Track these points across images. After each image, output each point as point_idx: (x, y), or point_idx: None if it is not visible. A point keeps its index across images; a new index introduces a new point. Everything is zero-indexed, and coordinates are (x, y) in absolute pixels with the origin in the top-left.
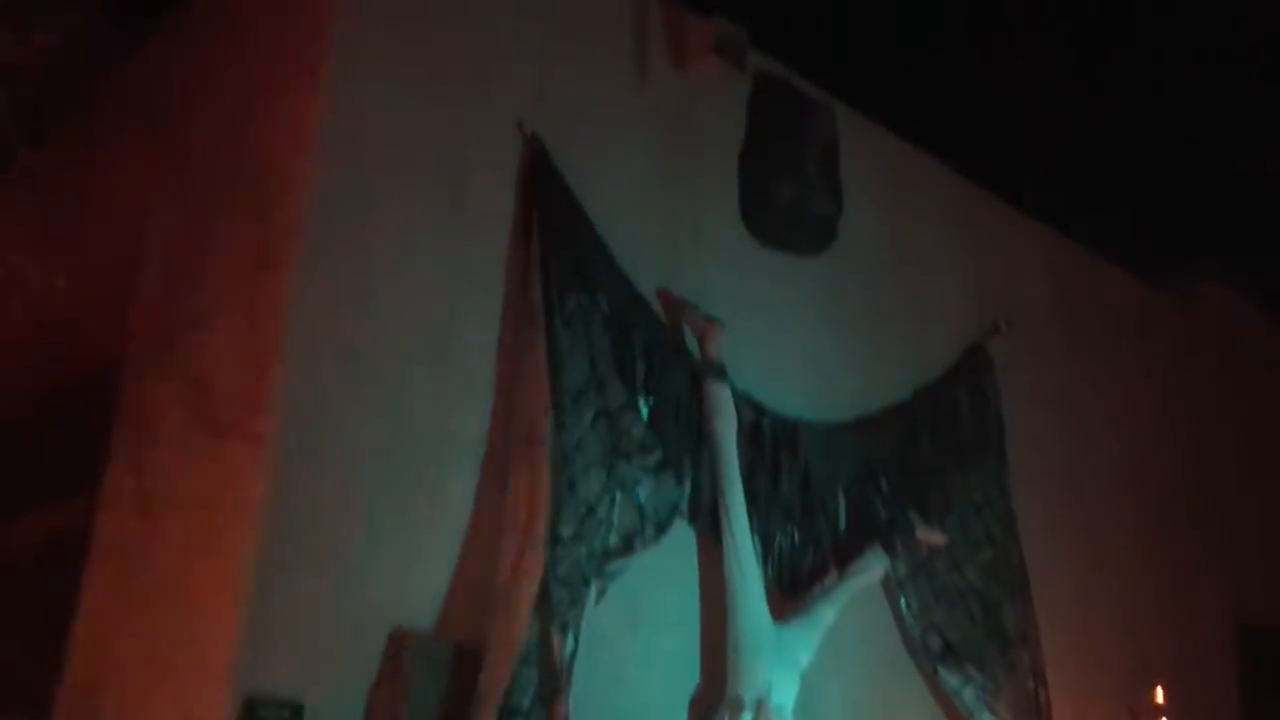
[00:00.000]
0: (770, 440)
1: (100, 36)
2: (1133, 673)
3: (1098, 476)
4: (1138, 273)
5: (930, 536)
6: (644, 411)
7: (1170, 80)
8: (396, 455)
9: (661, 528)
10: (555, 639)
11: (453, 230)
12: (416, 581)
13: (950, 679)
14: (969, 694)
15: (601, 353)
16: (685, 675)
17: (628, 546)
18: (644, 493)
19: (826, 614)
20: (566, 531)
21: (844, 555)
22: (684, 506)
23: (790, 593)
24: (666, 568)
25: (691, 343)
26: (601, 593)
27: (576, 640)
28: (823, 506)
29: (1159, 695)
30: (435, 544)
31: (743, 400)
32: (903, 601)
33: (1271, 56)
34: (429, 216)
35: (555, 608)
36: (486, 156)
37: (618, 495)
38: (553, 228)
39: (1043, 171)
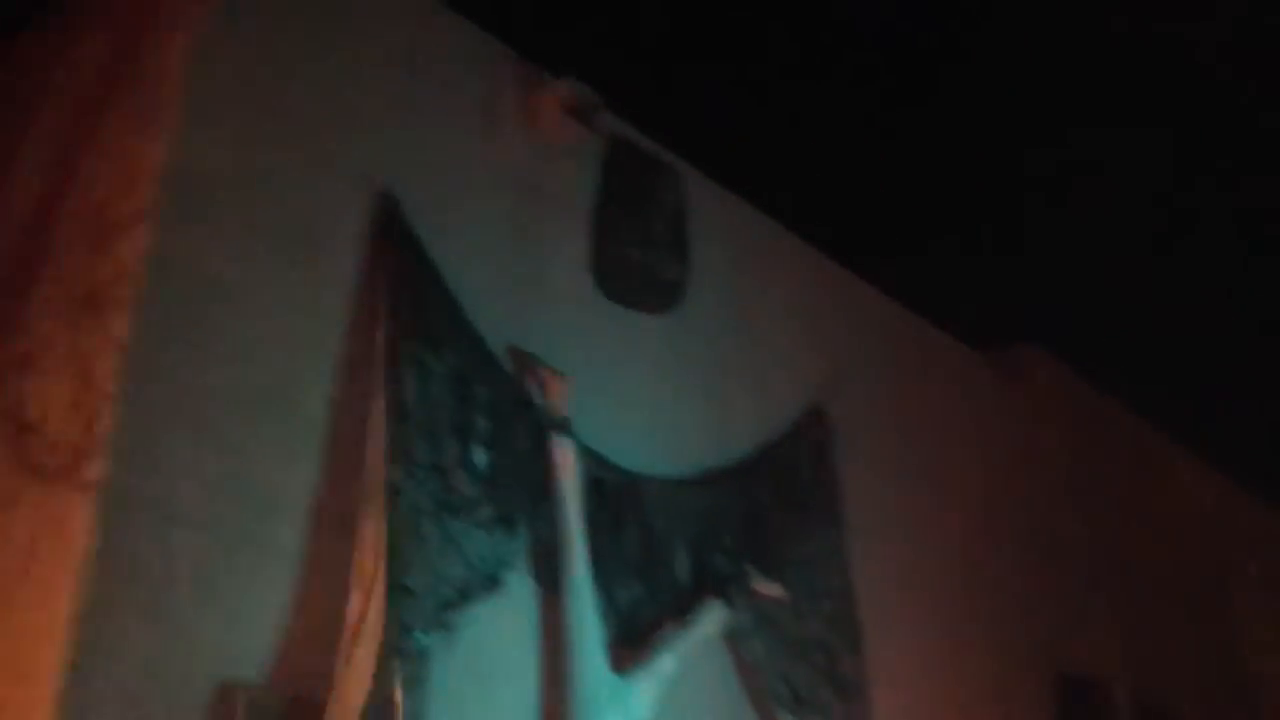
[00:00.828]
0: (613, 495)
1: None
2: None
3: (931, 536)
4: (968, 341)
5: (768, 589)
6: (480, 466)
7: (1001, 158)
8: (230, 506)
9: (494, 580)
10: (398, 691)
11: (297, 280)
12: (249, 634)
13: None
14: None
15: (442, 407)
16: None
17: (463, 598)
18: (473, 547)
19: (666, 665)
20: (414, 583)
21: (685, 609)
22: (520, 560)
23: (631, 645)
24: (509, 621)
25: (538, 397)
26: (444, 645)
27: (420, 691)
28: (664, 561)
29: None
30: (269, 596)
31: (586, 455)
32: (749, 652)
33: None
34: (272, 265)
35: (400, 659)
36: (335, 208)
37: (449, 549)
38: (401, 281)
39: (882, 240)
